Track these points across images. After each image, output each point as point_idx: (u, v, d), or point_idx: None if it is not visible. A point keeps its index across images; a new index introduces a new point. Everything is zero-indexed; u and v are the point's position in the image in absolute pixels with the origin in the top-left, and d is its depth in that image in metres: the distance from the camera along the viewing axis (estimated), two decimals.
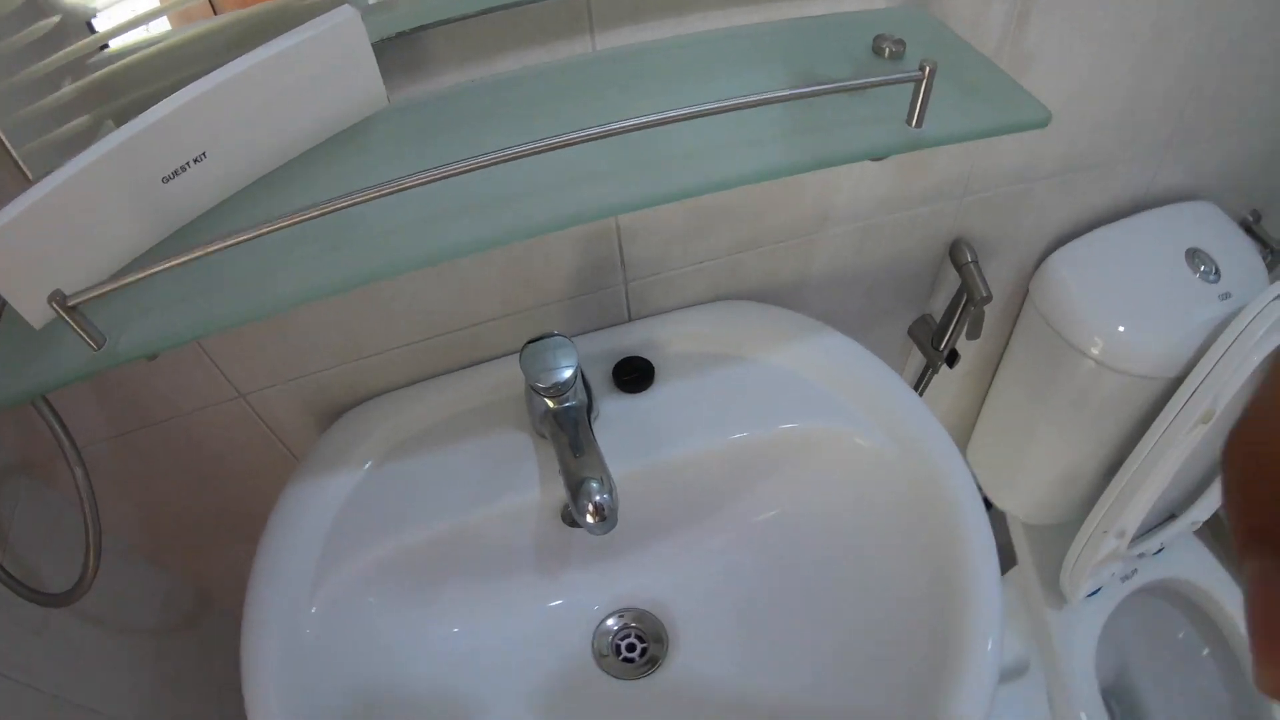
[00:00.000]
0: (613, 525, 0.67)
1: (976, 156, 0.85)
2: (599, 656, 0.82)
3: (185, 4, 0.57)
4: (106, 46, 0.55)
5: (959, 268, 0.92)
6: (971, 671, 0.64)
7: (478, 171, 0.51)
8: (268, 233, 0.51)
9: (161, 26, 0.57)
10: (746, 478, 0.80)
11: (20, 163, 0.57)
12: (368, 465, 0.81)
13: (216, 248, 0.50)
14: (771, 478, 0.80)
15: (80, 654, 0.86)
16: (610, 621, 0.83)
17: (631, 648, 0.83)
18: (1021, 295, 1.06)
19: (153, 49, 0.57)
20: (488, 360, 0.86)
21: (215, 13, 0.58)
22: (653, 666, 0.81)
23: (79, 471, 0.70)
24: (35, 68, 0.54)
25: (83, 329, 0.52)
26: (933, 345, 1.00)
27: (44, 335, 0.57)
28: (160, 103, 0.54)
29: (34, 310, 0.55)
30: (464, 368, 0.85)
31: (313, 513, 0.78)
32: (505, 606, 0.82)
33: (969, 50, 0.64)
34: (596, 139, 0.51)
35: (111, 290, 0.51)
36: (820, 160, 0.57)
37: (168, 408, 0.82)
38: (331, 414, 0.86)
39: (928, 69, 0.53)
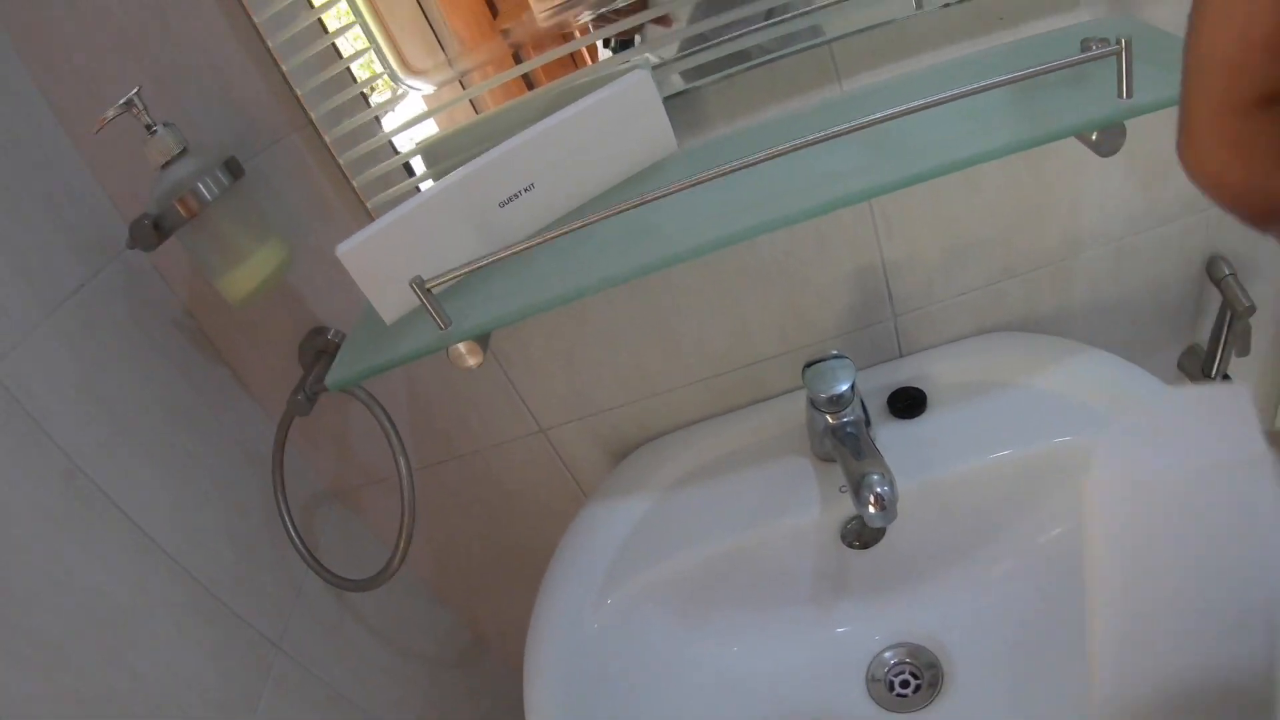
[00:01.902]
0: (892, 517, 0.69)
1: None
2: (871, 689, 0.81)
3: (450, 106, 0.74)
4: None
5: (1217, 283, 0.90)
6: None
7: (753, 180, 0.60)
8: (579, 227, 0.60)
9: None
10: (1024, 497, 0.79)
11: (358, 190, 0.75)
12: (657, 493, 0.87)
13: (539, 241, 0.61)
14: (1053, 496, 0.79)
15: (363, 662, 0.95)
16: (886, 654, 0.83)
17: (905, 684, 0.82)
18: None
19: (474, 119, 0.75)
20: (768, 399, 0.91)
21: (529, 88, 0.73)
22: (926, 705, 0.80)
23: (403, 463, 0.81)
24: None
25: (435, 309, 0.63)
26: (1203, 373, 0.96)
27: (393, 330, 0.69)
28: (501, 144, 0.67)
29: (389, 307, 0.69)
30: (746, 405, 0.91)
31: (601, 536, 0.85)
32: (780, 631, 0.84)
33: (1171, 38, 0.67)
34: (849, 133, 0.57)
35: (457, 279, 0.62)
36: (1045, 134, 0.60)
37: (475, 440, 0.93)
38: (622, 451, 0.94)
39: (1123, 41, 0.56)
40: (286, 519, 0.85)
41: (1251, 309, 0.87)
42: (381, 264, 0.66)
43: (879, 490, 0.69)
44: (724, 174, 0.57)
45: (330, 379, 0.69)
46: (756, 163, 0.57)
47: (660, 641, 0.81)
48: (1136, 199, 0.84)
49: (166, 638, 0.72)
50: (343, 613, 0.95)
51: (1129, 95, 0.58)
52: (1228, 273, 0.90)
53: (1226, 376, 0.98)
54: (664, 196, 0.58)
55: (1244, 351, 0.92)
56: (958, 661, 0.80)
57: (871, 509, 0.68)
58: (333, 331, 0.86)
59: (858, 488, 0.70)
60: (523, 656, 0.78)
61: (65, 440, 0.68)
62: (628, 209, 0.59)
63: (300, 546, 0.86)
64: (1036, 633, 0.79)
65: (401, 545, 0.82)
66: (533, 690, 0.75)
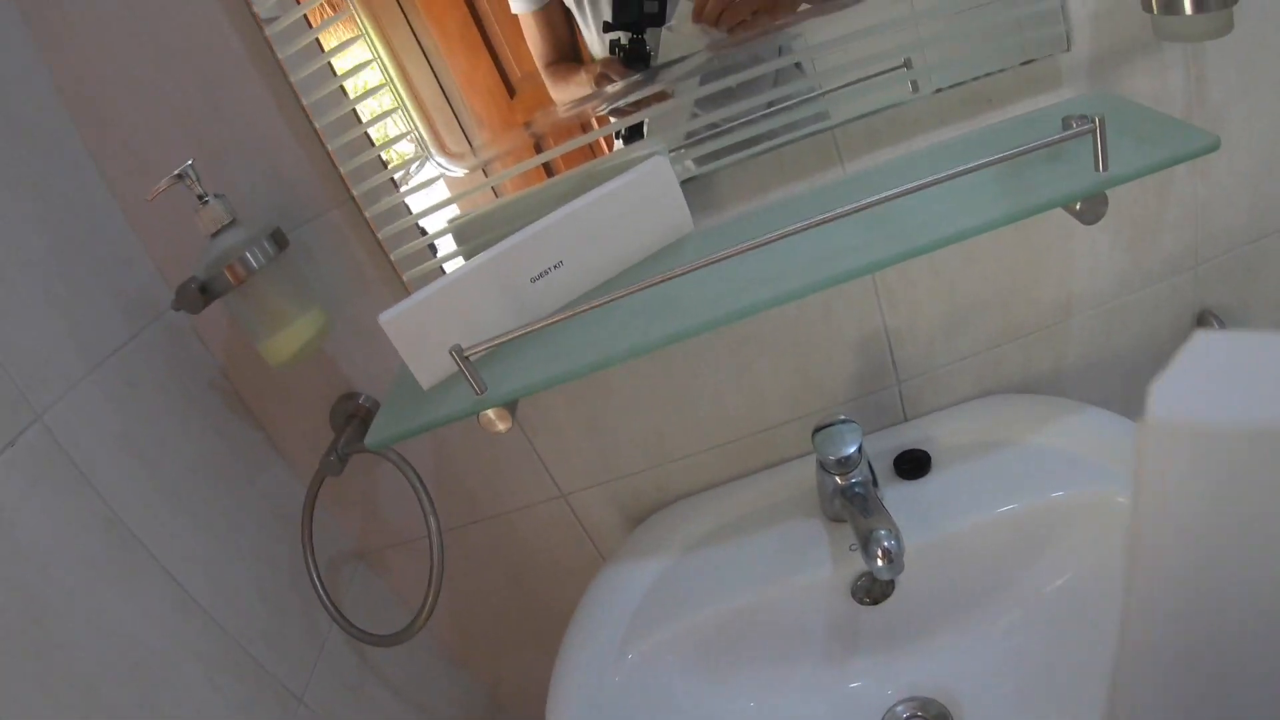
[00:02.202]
0: (899, 570, 0.73)
1: (1200, 222, 0.87)
2: None
3: (476, 191, 0.81)
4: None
5: None
6: None
7: (765, 256, 0.65)
8: (603, 304, 0.66)
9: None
10: (1027, 549, 0.82)
11: (394, 264, 0.81)
12: (673, 555, 0.91)
13: (568, 315, 0.66)
14: (1055, 547, 0.82)
15: None
16: (899, 708, 0.85)
17: None
18: None
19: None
20: (780, 463, 0.96)
21: (549, 174, 0.80)
22: None
23: (433, 521, 0.84)
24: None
25: (472, 376, 0.68)
26: None
27: (430, 395, 0.74)
28: (532, 225, 0.73)
29: (427, 373, 0.74)
30: (759, 470, 0.96)
31: (620, 595, 0.89)
32: (795, 686, 0.86)
33: (1148, 112, 0.73)
34: (852, 213, 0.63)
35: (492, 348, 0.67)
36: (1029, 207, 0.66)
37: (498, 504, 0.97)
38: (640, 515, 0.98)
39: (1097, 119, 0.62)
40: (314, 576, 0.89)
41: None
42: (421, 332, 0.71)
43: (886, 545, 0.72)
44: (738, 253, 0.63)
45: (370, 439, 0.74)
46: (767, 242, 0.63)
47: (679, 696, 0.84)
48: (1124, 261, 0.88)
49: (197, 687, 0.75)
50: (364, 671, 0.97)
51: (1105, 168, 0.64)
52: (1216, 326, 0.93)
53: None
54: (682, 275, 0.63)
55: None
56: (968, 712, 0.83)
57: (880, 562, 0.72)
58: (363, 397, 0.91)
59: (866, 543, 0.73)
60: (541, 718, 0.80)
61: (107, 490, 0.73)
62: (649, 285, 0.64)
63: (327, 602, 0.89)
64: (1044, 680, 0.81)
65: (429, 601, 0.85)
66: None
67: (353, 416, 0.91)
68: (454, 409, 0.71)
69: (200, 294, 0.73)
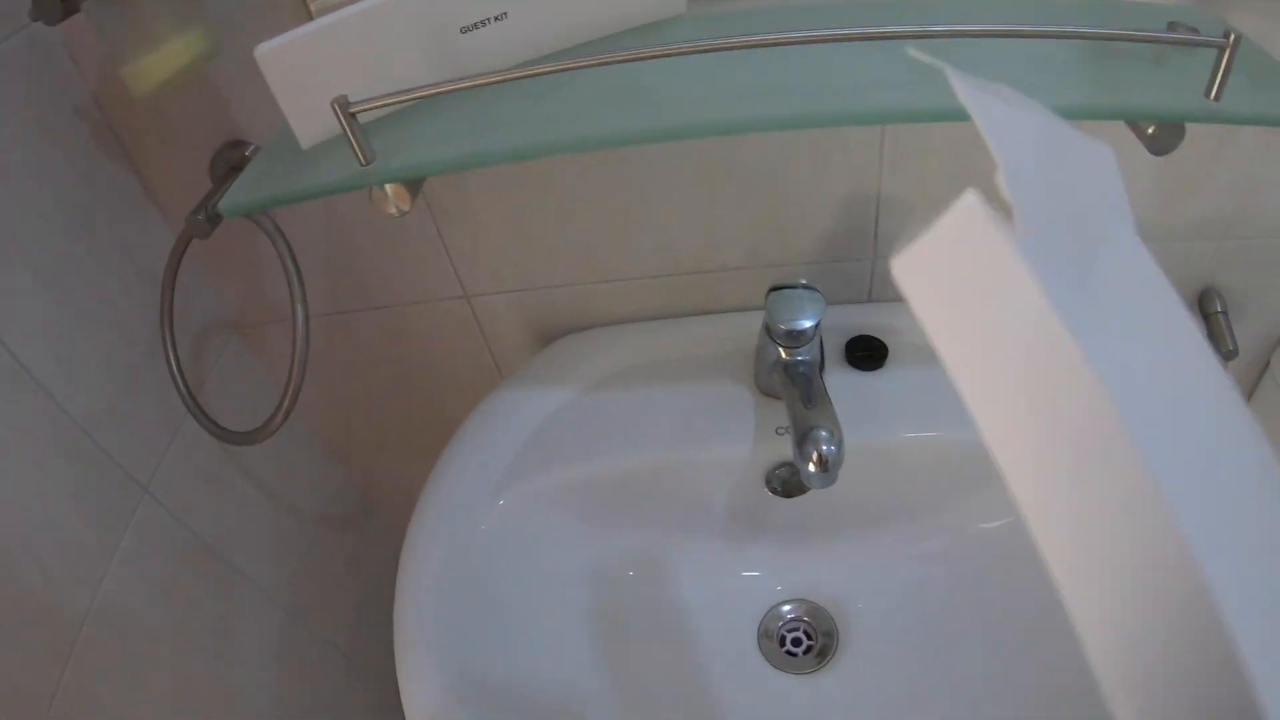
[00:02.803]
0: (832, 481, 0.63)
1: (1245, 196, 0.78)
2: (762, 642, 0.77)
3: None
4: None
5: (1206, 317, 0.85)
6: None
7: (775, 64, 0.51)
8: (556, 70, 0.49)
9: None
10: (967, 482, 0.74)
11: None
12: (578, 388, 0.79)
13: (504, 78, 0.50)
14: (998, 488, 0.74)
15: (239, 514, 0.88)
16: (785, 608, 0.78)
17: (797, 642, 0.77)
18: (1261, 369, 0.97)
19: None
20: (719, 312, 0.83)
21: None
22: (812, 670, 0.76)
23: (301, 310, 0.71)
24: None
25: (357, 139, 0.52)
26: None
27: (308, 156, 0.58)
28: None
29: (308, 129, 0.57)
30: (694, 314, 0.83)
31: (515, 421, 0.77)
32: (682, 563, 0.78)
33: (1261, 51, 0.59)
34: (907, 38, 0.48)
35: (392, 105, 0.51)
36: (1121, 109, 0.54)
37: (392, 294, 0.83)
38: (551, 335, 0.86)
39: (1232, 36, 0.48)
40: (170, 353, 0.75)
41: (1234, 353, 0.83)
42: (306, 75, 0.54)
43: (824, 449, 0.62)
44: (747, 47, 0.47)
45: (225, 202, 0.59)
46: (788, 43, 0.48)
47: (554, 554, 0.75)
48: (1155, 206, 0.78)
49: (25, 474, 0.63)
50: (224, 460, 0.86)
51: (1217, 98, 0.50)
52: (1219, 309, 0.86)
53: None
54: (667, 56, 0.48)
55: None
56: (855, 631, 0.76)
57: (813, 467, 0.62)
58: (252, 147, 0.74)
59: (801, 440, 0.63)
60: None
61: None
62: (619, 60, 0.48)
63: (181, 386, 0.76)
64: (942, 621, 0.75)
65: (286, 402, 0.73)
66: (408, 576, 0.69)
67: (234, 169, 0.75)
68: (330, 179, 0.55)
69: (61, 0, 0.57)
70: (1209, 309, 0.86)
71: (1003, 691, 0.69)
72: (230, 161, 0.75)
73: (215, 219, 0.73)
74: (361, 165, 0.53)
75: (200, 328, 0.83)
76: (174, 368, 0.76)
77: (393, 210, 0.58)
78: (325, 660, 0.99)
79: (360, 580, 1.08)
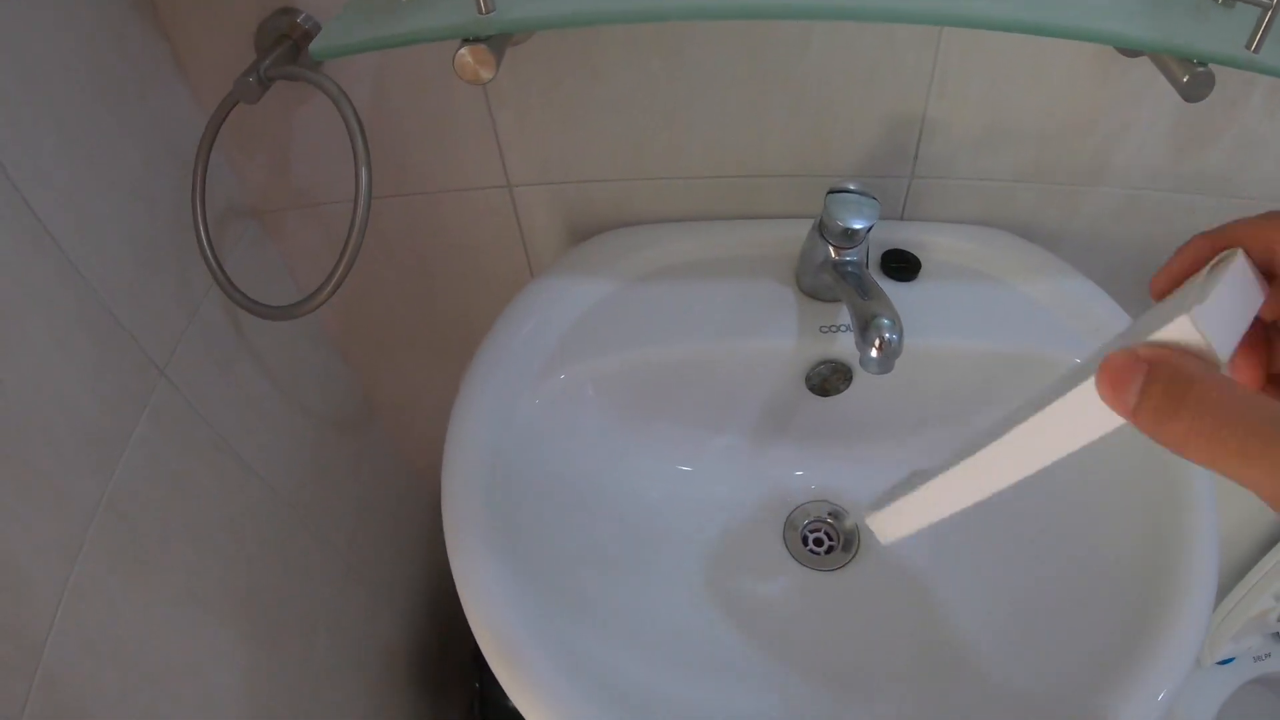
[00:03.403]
0: (890, 368, 0.66)
1: (1245, 157, 0.83)
2: (787, 535, 0.80)
3: None
4: None
5: None
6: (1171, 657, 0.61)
7: None
8: None
9: None
10: (991, 390, 0.78)
11: None
12: (621, 280, 0.80)
13: None
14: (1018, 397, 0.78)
15: (252, 407, 0.86)
16: (810, 505, 0.81)
17: (819, 542, 0.80)
18: None
19: None
20: (762, 217, 0.85)
21: None
22: (836, 567, 0.79)
23: (364, 173, 0.69)
24: None
25: None
26: None
27: (406, 6, 0.58)
28: None
29: None
30: (736, 218, 0.85)
31: (557, 309, 0.78)
32: (715, 454, 0.81)
33: None
34: None
35: None
36: (1180, 44, 0.58)
37: (432, 179, 0.83)
38: (587, 234, 0.86)
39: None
40: (201, 225, 0.72)
41: None
42: None
43: (887, 336, 0.64)
44: None
45: (318, 45, 0.58)
46: None
47: (592, 434, 0.76)
48: (1168, 157, 0.82)
49: (42, 348, 0.59)
50: (240, 348, 0.84)
51: (1257, 50, 0.55)
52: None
53: None
54: None
55: None
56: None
57: (875, 352, 0.64)
58: (304, 15, 0.72)
59: (865, 328, 0.65)
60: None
61: None
62: None
63: (212, 261, 0.73)
64: (963, 526, 0.78)
65: (341, 269, 0.71)
66: (453, 466, 0.68)
67: (286, 37, 0.72)
68: (448, 21, 0.55)
69: None
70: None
71: (1013, 592, 0.74)
72: (280, 29, 0.73)
73: (267, 82, 0.70)
74: (482, 13, 0.54)
75: (219, 212, 0.81)
76: (205, 243, 0.73)
77: (483, 76, 0.58)
78: (326, 563, 0.98)
79: (360, 483, 1.07)
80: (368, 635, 1.09)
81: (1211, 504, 0.67)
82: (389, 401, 1.09)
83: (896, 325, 0.65)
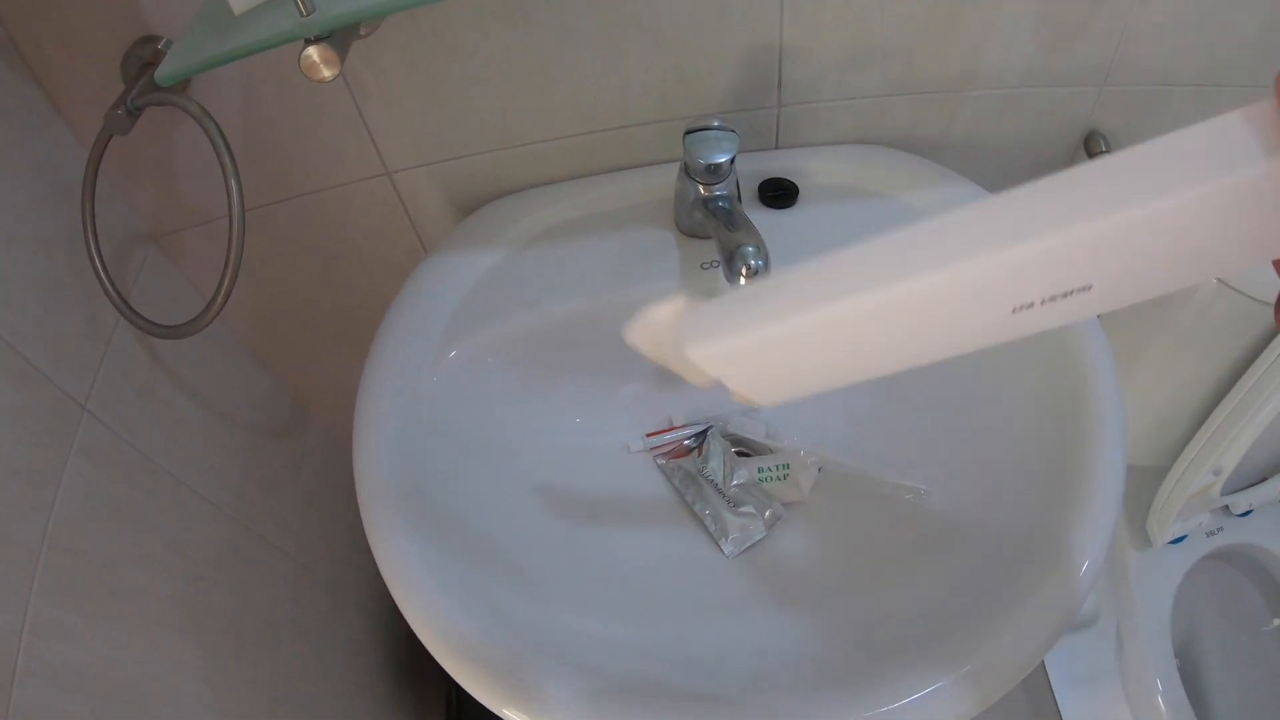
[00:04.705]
0: None
1: (1121, 45, 0.85)
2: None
3: None
4: None
5: (1091, 156, 0.93)
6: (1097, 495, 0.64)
7: None
8: None
9: None
10: None
11: None
12: (507, 248, 0.81)
13: None
14: None
15: (179, 427, 0.87)
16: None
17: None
18: None
19: None
20: (636, 166, 0.86)
21: None
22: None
23: (234, 185, 0.70)
24: None
25: None
26: None
27: (241, 21, 0.59)
28: None
29: None
30: (612, 170, 0.86)
31: (450, 282, 0.79)
32: (619, 406, 0.83)
33: None
34: None
35: None
36: None
37: (314, 179, 0.84)
38: (471, 206, 0.87)
39: None
40: (96, 260, 0.73)
41: None
42: None
43: (752, 263, 0.66)
44: None
45: (163, 70, 0.59)
46: None
47: (499, 403, 0.78)
48: (1038, 53, 0.84)
49: None
50: (156, 371, 0.85)
51: None
52: (1104, 149, 0.92)
53: None
54: None
55: None
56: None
57: (742, 280, 0.66)
58: (164, 41, 0.73)
59: (730, 258, 0.66)
60: (348, 427, 0.72)
61: None
62: None
63: (111, 291, 0.74)
64: (866, 434, 0.80)
65: (226, 282, 0.72)
66: (364, 445, 0.70)
67: (149, 65, 0.73)
68: (272, 31, 0.56)
69: None
70: (1094, 149, 0.93)
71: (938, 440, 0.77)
72: (144, 58, 0.73)
73: (136, 112, 0.71)
74: (303, 15, 0.54)
75: (117, 243, 0.81)
76: (102, 275, 0.74)
77: (325, 74, 0.59)
78: (277, 568, 1.00)
79: (302, 484, 1.08)
80: (332, 635, 1.10)
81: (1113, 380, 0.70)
82: (320, 399, 1.11)
83: (761, 252, 0.66)
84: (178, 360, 0.88)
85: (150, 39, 0.73)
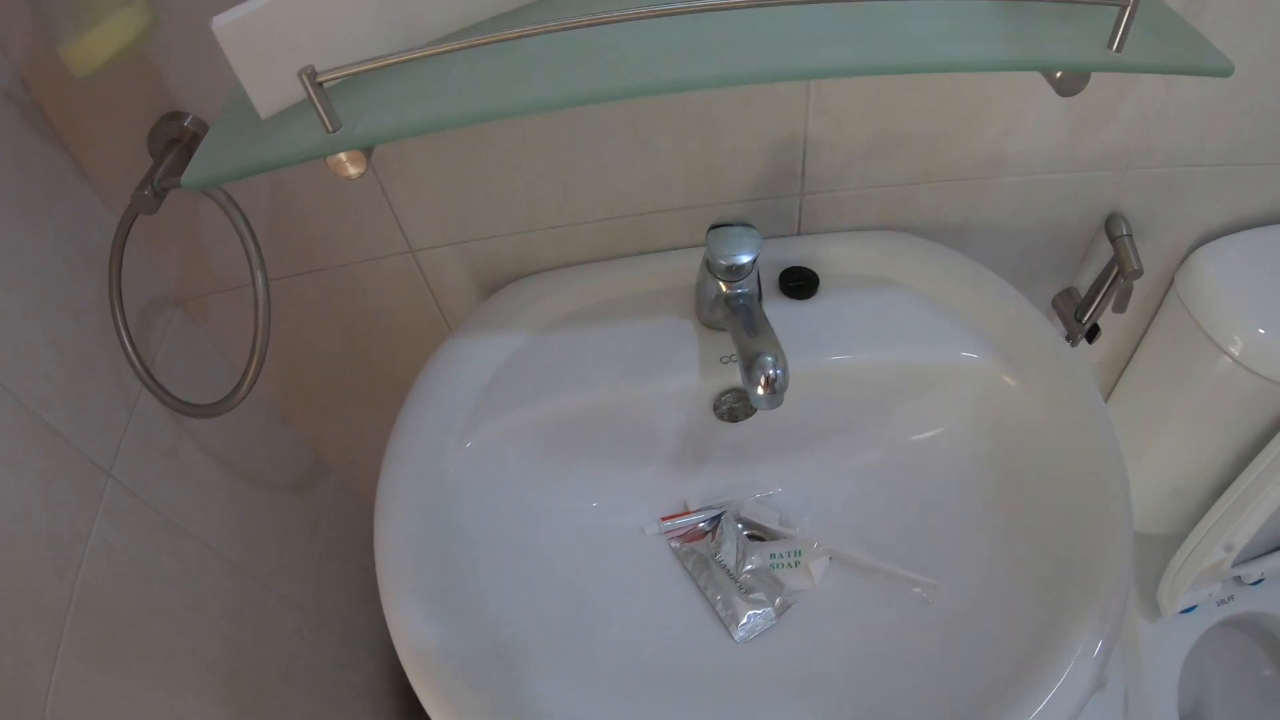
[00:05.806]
0: (779, 403, 0.67)
1: (1146, 129, 0.85)
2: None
3: None
4: None
5: (1113, 240, 0.93)
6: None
7: (711, 22, 0.55)
8: (504, 40, 0.52)
9: None
10: (899, 399, 0.81)
11: None
12: (529, 331, 0.83)
13: (463, 45, 0.52)
14: (924, 403, 0.81)
15: (201, 488, 0.88)
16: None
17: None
18: (1165, 286, 1.06)
19: None
20: (658, 251, 0.87)
21: None
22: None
23: (260, 276, 0.71)
24: None
25: (324, 107, 0.54)
26: (1076, 317, 1.00)
27: (266, 127, 0.59)
28: None
29: (268, 98, 0.58)
30: (634, 255, 0.87)
31: (471, 367, 0.80)
32: (639, 491, 0.83)
33: (1162, 6, 0.65)
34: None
35: (354, 74, 0.53)
36: (1033, 60, 0.58)
37: (339, 254, 0.85)
38: (494, 285, 0.88)
39: None
40: (122, 331, 0.75)
41: (1140, 272, 0.90)
42: (266, 46, 0.55)
43: (771, 373, 0.66)
44: (695, 11, 0.51)
45: (188, 177, 0.59)
46: (732, 7, 0.51)
47: (520, 489, 0.79)
48: (1064, 139, 0.84)
49: None
50: (179, 435, 0.86)
51: (1119, 49, 0.55)
52: (1125, 233, 0.93)
53: (1096, 327, 1.03)
54: (618, 21, 0.51)
55: (1121, 309, 0.95)
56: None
57: (760, 390, 0.66)
58: (190, 118, 0.74)
59: (749, 367, 0.67)
60: (364, 482, 0.74)
61: None
62: (579, 26, 0.51)
63: (137, 364, 0.76)
64: (884, 525, 0.81)
65: (252, 370, 0.74)
66: (384, 528, 0.71)
67: (175, 141, 0.74)
68: (296, 148, 0.56)
69: None
70: (1115, 232, 0.93)
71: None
72: (170, 134, 0.74)
73: (161, 193, 0.72)
74: (329, 133, 0.55)
75: (143, 306, 0.83)
76: (127, 346, 0.75)
77: (350, 172, 0.59)
78: (294, 622, 1.02)
79: (319, 538, 1.10)
80: (346, 684, 1.12)
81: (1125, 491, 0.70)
82: (339, 456, 1.12)
83: (780, 361, 0.67)
84: (202, 422, 0.89)
85: (177, 115, 0.74)
